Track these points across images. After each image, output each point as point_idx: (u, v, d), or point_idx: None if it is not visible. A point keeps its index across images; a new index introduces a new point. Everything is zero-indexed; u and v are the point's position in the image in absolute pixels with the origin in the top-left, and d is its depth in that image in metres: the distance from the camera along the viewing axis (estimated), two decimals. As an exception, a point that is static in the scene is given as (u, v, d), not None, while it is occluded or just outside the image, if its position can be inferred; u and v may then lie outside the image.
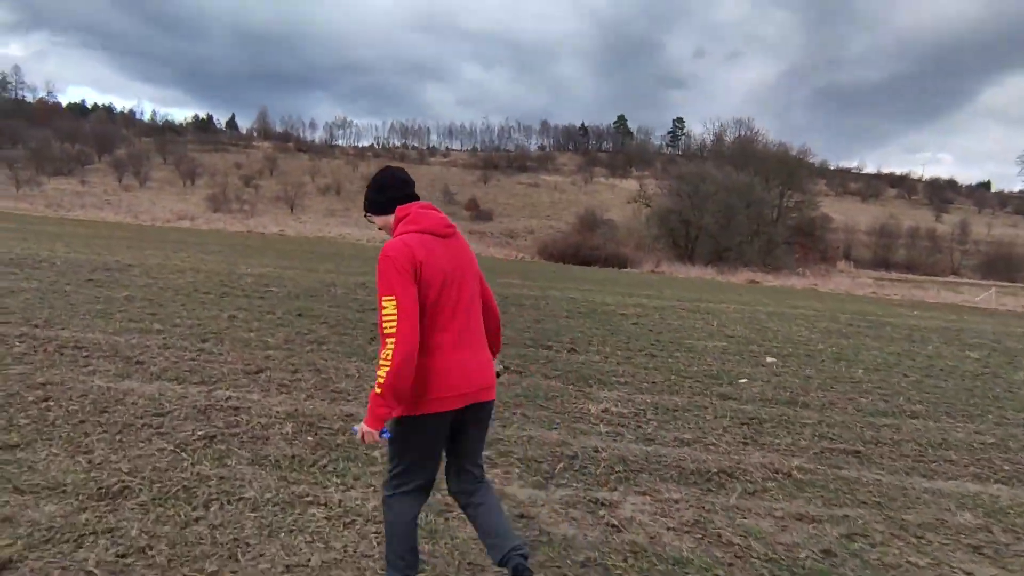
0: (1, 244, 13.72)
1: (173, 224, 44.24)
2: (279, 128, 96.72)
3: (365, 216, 2.10)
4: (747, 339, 8.78)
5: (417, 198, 2.05)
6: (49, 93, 79.36)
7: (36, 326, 5.97)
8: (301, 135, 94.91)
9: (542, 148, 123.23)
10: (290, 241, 34.83)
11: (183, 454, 3.17)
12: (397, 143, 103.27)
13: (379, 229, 2.08)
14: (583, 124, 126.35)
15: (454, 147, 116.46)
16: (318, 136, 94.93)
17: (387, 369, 1.74)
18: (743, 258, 37.65)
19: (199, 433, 3.45)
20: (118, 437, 3.33)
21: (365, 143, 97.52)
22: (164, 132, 77.53)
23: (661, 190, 44.60)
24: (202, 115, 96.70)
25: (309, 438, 3.51)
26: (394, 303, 1.77)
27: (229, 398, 4.18)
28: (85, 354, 5.04)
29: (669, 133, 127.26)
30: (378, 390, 1.76)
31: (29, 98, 71.49)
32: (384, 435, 1.87)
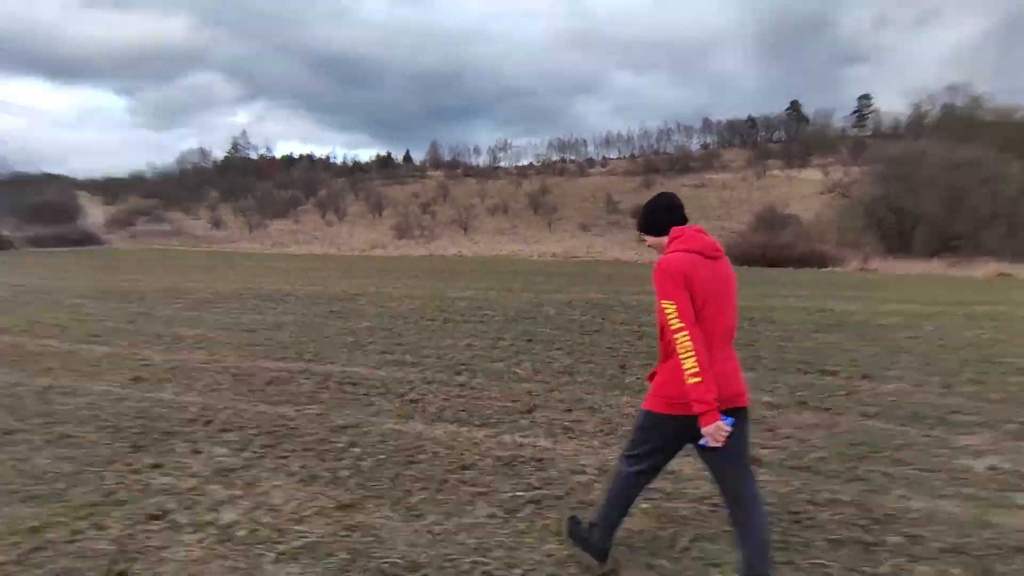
0: (252, 280, 15.83)
1: (367, 253, 49.07)
2: (448, 157, 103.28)
3: (640, 236, 2.35)
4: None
5: (687, 221, 2.26)
6: (267, 150, 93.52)
7: (309, 360, 6.33)
8: (467, 161, 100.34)
9: (705, 146, 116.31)
10: (470, 261, 36.49)
11: (518, 523, 2.78)
12: (555, 158, 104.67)
13: (649, 247, 2.32)
14: (750, 116, 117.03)
15: (611, 156, 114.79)
16: (482, 160, 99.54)
17: (691, 356, 1.94)
18: (980, 247, 31.38)
19: (520, 494, 3.06)
20: (439, 496, 3.05)
21: (525, 162, 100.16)
22: (354, 172, 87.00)
23: (864, 176, 39.17)
24: (383, 153, 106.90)
25: (644, 504, 2.94)
26: (674, 306, 2.02)
27: (521, 444, 3.81)
28: (363, 391, 5.10)
29: (854, 113, 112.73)
30: (696, 379, 1.93)
31: (253, 156, 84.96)
32: (727, 421, 1.96)
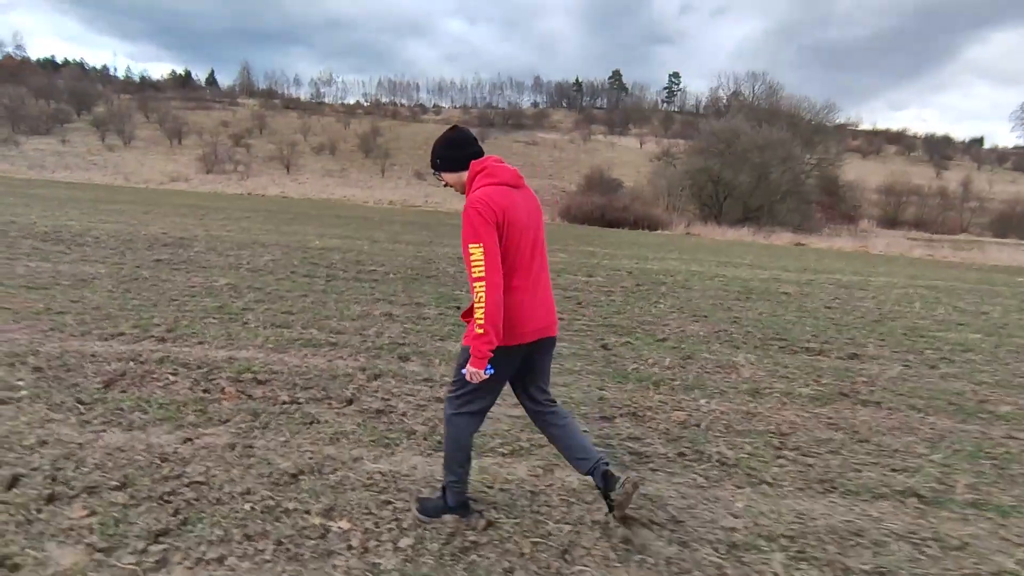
0: (14, 212, 11.61)
1: (168, 186, 41.46)
2: (262, 84, 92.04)
3: (435, 174, 2.16)
4: (995, 327, 7.20)
5: (483, 154, 2.11)
6: (18, 47, 73.54)
7: (164, 339, 4.19)
8: (286, 91, 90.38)
9: (535, 105, 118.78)
10: (300, 204, 32.57)
11: None
12: (385, 100, 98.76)
13: (445, 186, 2.17)
14: (577, 80, 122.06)
15: (444, 104, 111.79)
16: (304, 93, 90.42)
17: (482, 309, 1.88)
18: (775, 218, 36.24)
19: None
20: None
21: (352, 100, 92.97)
22: (144, 89, 72.79)
23: (688, 148, 42.70)
24: (180, 71, 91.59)
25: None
26: (481, 249, 1.89)
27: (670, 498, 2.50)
28: (284, 395, 3.29)
29: (665, 89, 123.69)
30: (479, 330, 1.90)
31: (-7, 51, 65.99)
32: (488, 371, 1.97)
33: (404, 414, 3.18)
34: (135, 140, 52.97)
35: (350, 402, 3.31)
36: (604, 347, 4.85)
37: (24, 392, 3.09)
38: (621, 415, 3.38)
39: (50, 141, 47.75)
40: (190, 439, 2.71)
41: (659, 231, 32.67)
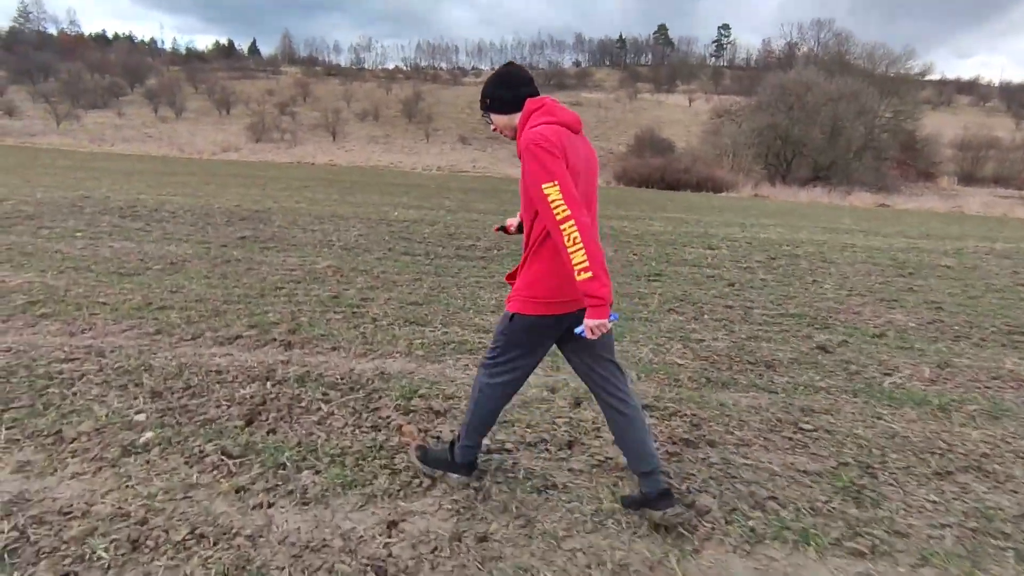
0: (85, 186, 11.17)
1: (219, 156, 41.59)
2: (303, 52, 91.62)
3: (483, 116, 1.92)
4: None
5: (539, 94, 1.86)
6: (72, 23, 74.43)
7: (290, 345, 3.37)
8: (326, 58, 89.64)
9: (577, 64, 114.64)
10: (351, 171, 32.00)
11: None
12: (424, 64, 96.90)
13: (495, 130, 1.91)
14: (620, 36, 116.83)
15: (483, 67, 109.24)
16: (344, 59, 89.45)
17: (580, 249, 1.64)
18: (848, 177, 33.70)
19: None
20: None
21: (391, 65, 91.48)
22: (190, 60, 73.13)
23: (753, 104, 39.97)
24: (223, 41, 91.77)
25: None
26: (557, 187, 1.66)
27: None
28: (487, 442, 2.42)
29: (714, 43, 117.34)
30: (587, 274, 1.64)
31: (51, 30, 66.85)
32: (613, 318, 1.71)
33: (666, 473, 2.26)
34: (186, 111, 53.35)
35: (571, 445, 2.41)
36: (822, 349, 3.82)
37: (149, 434, 2.29)
38: (957, 468, 2.38)
39: (108, 114, 48.46)
40: (395, 523, 1.85)
41: (724, 193, 30.80)
